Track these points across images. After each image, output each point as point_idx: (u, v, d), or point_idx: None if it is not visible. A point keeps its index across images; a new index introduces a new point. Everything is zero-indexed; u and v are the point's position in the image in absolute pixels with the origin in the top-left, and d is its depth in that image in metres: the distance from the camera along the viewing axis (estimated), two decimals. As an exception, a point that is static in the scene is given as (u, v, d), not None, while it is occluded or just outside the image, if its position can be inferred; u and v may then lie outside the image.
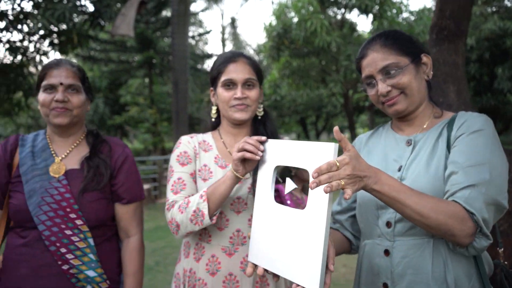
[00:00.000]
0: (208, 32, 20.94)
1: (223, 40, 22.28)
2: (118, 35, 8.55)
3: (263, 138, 1.29)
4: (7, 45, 8.31)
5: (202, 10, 19.88)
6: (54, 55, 9.84)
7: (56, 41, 8.34)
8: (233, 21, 22.34)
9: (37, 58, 9.00)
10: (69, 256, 1.49)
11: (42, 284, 1.48)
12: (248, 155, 1.28)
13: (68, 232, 1.49)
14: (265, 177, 1.24)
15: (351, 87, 11.83)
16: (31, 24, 7.55)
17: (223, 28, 23.02)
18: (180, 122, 10.30)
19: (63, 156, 1.61)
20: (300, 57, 10.48)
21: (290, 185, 1.20)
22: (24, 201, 1.50)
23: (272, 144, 1.26)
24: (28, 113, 15.84)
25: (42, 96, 1.56)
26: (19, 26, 7.72)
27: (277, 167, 1.23)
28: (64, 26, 6.72)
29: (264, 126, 1.67)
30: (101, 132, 1.74)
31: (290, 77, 11.16)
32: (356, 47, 9.31)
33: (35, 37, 8.43)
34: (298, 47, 10.14)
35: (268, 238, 1.20)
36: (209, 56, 19.41)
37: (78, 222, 1.50)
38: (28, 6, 7.43)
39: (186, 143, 1.66)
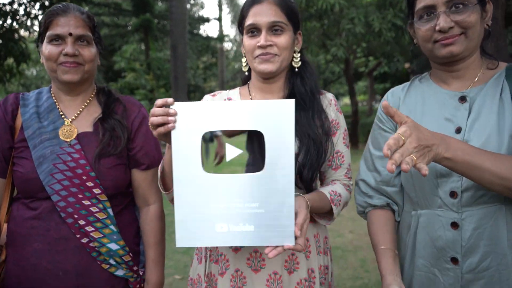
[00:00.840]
0: (205, -5, 20.35)
1: (220, 4, 21.63)
2: (112, -3, 8.19)
3: (169, 100, 1.09)
4: (-4, 8, 7.96)
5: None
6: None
7: (47, 3, 7.98)
8: (229, -17, 21.67)
9: (28, 22, 8.66)
10: (88, 228, 1.35)
11: (59, 259, 1.34)
12: (160, 130, 1.07)
13: (86, 202, 1.35)
14: (188, 146, 1.08)
15: (352, 52, 11.56)
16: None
17: (219, -9, 22.37)
18: (178, 88, 10.06)
19: (73, 117, 1.43)
20: (303, 20, 10.15)
21: (232, 150, 1.12)
22: (33, 169, 1.34)
23: (195, 108, 1.08)
24: (19, 80, 15.47)
25: (47, 48, 1.36)
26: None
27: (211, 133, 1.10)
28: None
29: (301, 80, 1.41)
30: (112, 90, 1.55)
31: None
32: (360, 10, 8.99)
33: (25, 0, 8.07)
34: (300, 10, 9.82)
35: (208, 212, 1.10)
36: (206, 20, 18.87)
37: (96, 191, 1.36)
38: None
39: (209, 99, 1.51)
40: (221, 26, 19.86)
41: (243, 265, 1.36)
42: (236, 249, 1.37)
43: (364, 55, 14.09)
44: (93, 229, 1.36)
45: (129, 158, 1.48)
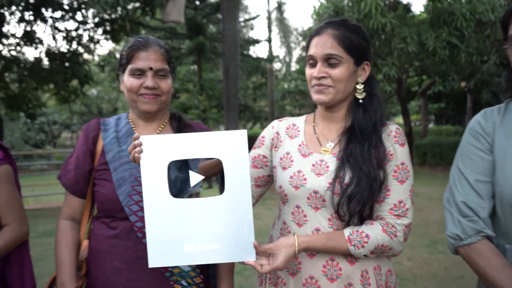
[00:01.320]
0: (256, 17, 20.87)
1: (269, 25, 22.02)
2: (169, 22, 8.60)
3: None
4: (63, 34, 8.59)
5: (249, -5, 19.70)
6: (107, 43, 10.10)
7: (108, 28, 8.52)
8: (279, 5, 22.01)
9: (91, 46, 9.27)
10: None
11: (136, 277, 1.41)
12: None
13: None
14: (157, 174, 1.21)
15: (404, 71, 11.30)
16: (86, 13, 7.72)
17: (269, 13, 22.78)
18: (230, 108, 10.26)
19: None
20: (352, 40, 10.11)
21: (195, 178, 1.26)
22: (114, 190, 1.42)
23: (161, 140, 1.22)
24: (82, 100, 16.43)
25: (129, 80, 1.45)
26: (75, 15, 7.92)
27: (176, 162, 1.22)
28: (117, 14, 6.80)
29: (364, 112, 1.42)
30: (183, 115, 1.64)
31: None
32: (412, 29, 8.81)
33: (89, 26, 8.65)
34: (350, 30, 9.77)
35: (176, 233, 1.21)
36: (257, 41, 19.25)
37: None
38: (82, -5, 7.57)
39: (270, 128, 1.57)
40: (270, 47, 20.18)
41: None
42: (293, 274, 1.40)
43: (417, 74, 13.72)
44: None
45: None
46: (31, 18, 7.94)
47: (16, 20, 7.88)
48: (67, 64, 9.03)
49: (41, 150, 21.64)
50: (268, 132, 1.56)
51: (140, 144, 1.21)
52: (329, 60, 1.37)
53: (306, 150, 1.46)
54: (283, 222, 1.47)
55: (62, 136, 30.90)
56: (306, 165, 1.42)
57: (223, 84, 11.07)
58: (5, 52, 8.81)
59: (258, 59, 19.30)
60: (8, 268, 1.71)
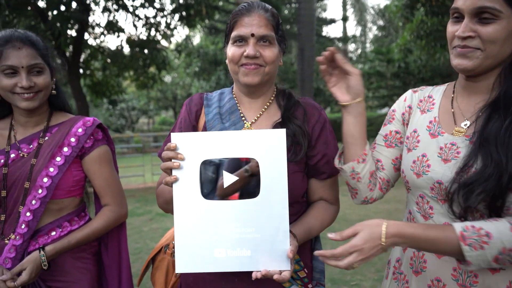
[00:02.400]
0: (332, -5, 20.14)
1: (344, 4, 21.17)
2: (244, 3, 8.50)
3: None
4: (142, 21, 8.84)
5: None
6: (183, 29, 10.31)
7: (184, 14, 8.60)
8: (355, -18, 21.13)
9: (168, 32, 9.46)
10: None
11: None
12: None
13: None
14: (188, 175, 1.13)
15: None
16: (163, 0, 7.84)
17: (343, -9, 21.92)
18: (305, 90, 10.02)
19: (253, 120, 1.38)
20: (438, 15, 9.30)
21: (229, 178, 1.14)
22: None
23: (193, 138, 1.15)
24: (158, 86, 17.04)
25: (231, 50, 1.32)
26: (153, 2, 8.09)
27: (207, 161, 1.14)
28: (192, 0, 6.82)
29: None
30: (293, 92, 1.47)
31: (424, 39, 10.03)
32: None
33: (166, 13, 8.81)
34: (437, 4, 8.99)
35: (206, 238, 1.13)
36: (332, 21, 18.63)
37: None
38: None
39: (402, 100, 1.37)
40: (345, 27, 19.45)
41: None
42: (417, 272, 1.21)
43: None
44: None
45: (307, 166, 1.37)
46: (114, 7, 8.22)
47: (101, 10, 8.21)
48: (146, 50, 9.32)
49: (121, 134, 22.96)
50: (399, 106, 1.36)
51: (172, 146, 1.13)
52: (481, 15, 1.08)
53: (437, 129, 1.22)
54: (409, 212, 1.29)
55: (140, 121, 32.61)
56: (433, 147, 1.19)
57: (297, 66, 10.82)
58: (90, 41, 9.27)
59: (332, 39, 18.71)
60: (105, 248, 1.70)
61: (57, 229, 1.54)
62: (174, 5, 8.09)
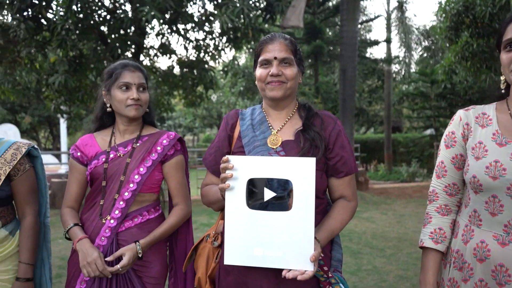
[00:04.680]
0: (375, 18, 20.17)
1: (389, 26, 21.17)
2: (288, 27, 8.84)
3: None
4: (193, 44, 9.38)
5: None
6: (230, 51, 10.86)
7: (232, 36, 9.06)
8: (400, 4, 21.04)
9: (216, 54, 9.96)
10: None
11: None
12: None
13: None
14: (238, 189, 1.42)
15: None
16: (213, 23, 8.33)
17: (388, 13, 21.88)
18: (346, 110, 10.17)
19: (279, 128, 1.68)
20: (483, 37, 9.24)
21: (269, 193, 1.40)
22: None
23: (243, 160, 1.43)
24: (205, 104, 17.65)
25: (258, 71, 1.65)
26: (203, 26, 8.60)
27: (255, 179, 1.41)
28: (240, 23, 7.22)
29: None
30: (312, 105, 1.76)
31: (469, 60, 9.94)
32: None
33: (215, 35, 9.31)
34: (482, 26, 8.94)
35: (249, 238, 1.41)
36: (375, 42, 18.68)
37: None
38: (210, 7, 8.20)
39: (457, 120, 1.56)
40: (389, 48, 19.39)
41: (488, 276, 1.39)
42: (481, 260, 1.41)
43: None
44: None
45: (327, 166, 1.64)
46: (167, 31, 8.83)
47: (155, 33, 8.84)
48: (195, 71, 9.84)
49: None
50: (456, 126, 1.56)
51: (229, 165, 1.41)
52: None
53: (502, 139, 1.43)
54: (473, 210, 1.47)
55: (185, 138, 33.59)
56: (504, 154, 1.40)
57: (338, 87, 11.01)
58: (145, 62, 9.93)
59: (375, 60, 18.71)
60: (175, 238, 2.04)
61: (139, 216, 1.90)
62: (223, 29, 8.57)
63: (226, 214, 1.44)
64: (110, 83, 1.92)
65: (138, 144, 1.95)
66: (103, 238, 1.85)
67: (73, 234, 1.86)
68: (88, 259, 1.73)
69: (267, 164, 1.42)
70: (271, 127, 1.67)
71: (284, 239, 1.39)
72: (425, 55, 23.84)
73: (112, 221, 1.86)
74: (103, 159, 1.92)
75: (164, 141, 1.96)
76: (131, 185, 1.87)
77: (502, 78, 1.46)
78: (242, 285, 1.57)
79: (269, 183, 1.41)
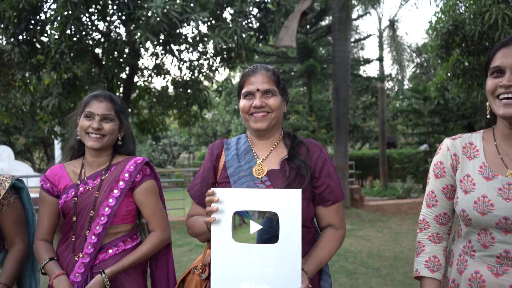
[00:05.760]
0: (367, 37, 20.48)
1: (381, 44, 21.44)
2: (281, 47, 8.94)
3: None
4: (187, 64, 9.46)
5: (361, 16, 19.39)
6: (224, 71, 10.90)
7: (226, 57, 9.15)
8: (392, 23, 21.36)
9: (210, 74, 10.04)
10: None
11: None
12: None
13: None
14: (224, 221, 1.40)
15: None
16: (207, 44, 8.41)
17: (380, 31, 22.20)
18: (340, 129, 10.22)
19: (264, 157, 1.67)
20: (474, 54, 9.38)
21: (255, 227, 1.38)
22: None
23: (228, 193, 1.41)
24: (199, 123, 17.69)
25: (242, 102, 1.66)
26: (197, 47, 8.69)
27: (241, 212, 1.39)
28: (233, 43, 7.30)
29: None
30: (297, 134, 1.77)
31: (461, 78, 10.07)
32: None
33: (209, 56, 9.39)
34: (472, 44, 9.09)
35: (235, 273, 1.38)
36: (367, 61, 18.89)
37: None
38: (204, 29, 8.30)
39: (445, 150, 1.54)
40: (381, 66, 19.60)
41: None
42: None
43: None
44: None
45: (314, 195, 1.63)
46: (162, 52, 8.90)
47: (149, 54, 8.91)
48: (189, 91, 9.90)
49: (162, 169, 23.73)
50: (444, 157, 1.54)
51: (215, 198, 1.40)
52: None
53: (489, 173, 1.41)
54: (467, 241, 1.48)
55: (181, 157, 33.52)
56: (491, 189, 1.39)
57: (332, 105, 11.09)
58: (139, 83, 9.98)
59: (368, 78, 18.89)
60: (155, 265, 2.00)
61: (114, 248, 1.87)
62: (216, 50, 8.67)
63: (212, 247, 1.42)
64: (79, 112, 1.93)
65: (106, 175, 1.92)
66: (77, 274, 1.81)
67: (49, 269, 1.82)
68: None
69: (252, 196, 1.40)
70: (256, 157, 1.67)
71: (271, 273, 1.36)
72: (417, 71, 24.09)
73: (85, 257, 1.83)
74: (72, 193, 1.89)
75: (131, 167, 1.91)
76: (102, 218, 1.84)
77: (487, 104, 1.44)
78: None
79: (255, 216, 1.39)
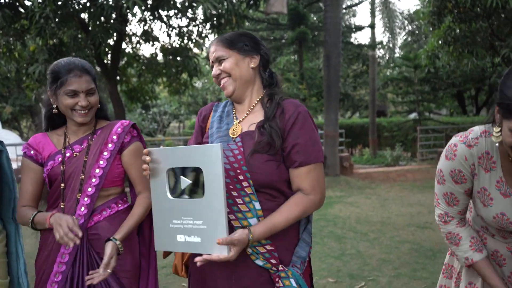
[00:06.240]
0: (359, 3, 20.06)
1: (373, 10, 21.11)
2: (272, 13, 8.79)
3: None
4: (176, 31, 9.28)
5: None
6: (214, 37, 10.72)
7: (215, 23, 8.98)
8: (384, -11, 21.03)
9: (200, 40, 9.87)
10: (231, 216, 1.50)
11: None
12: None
13: (234, 193, 1.50)
14: (160, 179, 1.50)
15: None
16: (196, 10, 8.23)
17: (372, -3, 21.84)
18: (331, 97, 10.22)
19: (242, 119, 1.66)
20: (465, 21, 9.33)
21: (185, 182, 1.47)
22: None
23: (162, 152, 1.50)
24: (190, 92, 17.50)
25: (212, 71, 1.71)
26: (186, 13, 8.49)
27: (171, 169, 1.48)
28: (223, 9, 7.16)
29: None
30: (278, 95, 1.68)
31: (452, 45, 10.05)
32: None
33: (198, 22, 9.21)
34: (464, 11, 9.03)
35: (172, 226, 1.47)
36: (359, 28, 18.67)
37: (245, 184, 1.49)
38: (193, -7, 8.08)
39: (463, 160, 1.46)
40: (373, 33, 19.36)
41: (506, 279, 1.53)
42: (500, 265, 1.55)
43: (543, 55, 12.20)
44: (233, 218, 1.50)
45: (283, 157, 1.54)
46: (150, 18, 8.70)
47: (137, 20, 8.71)
48: (178, 58, 9.76)
49: (152, 138, 23.67)
50: (463, 166, 1.47)
51: (147, 158, 1.49)
52: None
53: (507, 190, 1.40)
54: (485, 228, 1.57)
55: (171, 126, 33.39)
56: (510, 206, 1.40)
57: (323, 73, 11.03)
58: (127, 50, 9.80)
59: (360, 46, 18.72)
60: (141, 230, 2.02)
61: (107, 209, 1.89)
62: (206, 15, 8.49)
63: (153, 203, 1.53)
64: (56, 87, 1.84)
65: (93, 139, 1.92)
66: None
67: (40, 217, 1.78)
68: (61, 222, 1.64)
69: (180, 154, 1.47)
70: (235, 118, 1.67)
71: (201, 225, 1.43)
72: (409, 39, 23.94)
73: (79, 218, 1.81)
74: (59, 159, 1.87)
75: (119, 129, 1.93)
76: (94, 179, 1.84)
77: (496, 130, 1.34)
78: (201, 272, 1.60)
79: (185, 171, 1.46)
